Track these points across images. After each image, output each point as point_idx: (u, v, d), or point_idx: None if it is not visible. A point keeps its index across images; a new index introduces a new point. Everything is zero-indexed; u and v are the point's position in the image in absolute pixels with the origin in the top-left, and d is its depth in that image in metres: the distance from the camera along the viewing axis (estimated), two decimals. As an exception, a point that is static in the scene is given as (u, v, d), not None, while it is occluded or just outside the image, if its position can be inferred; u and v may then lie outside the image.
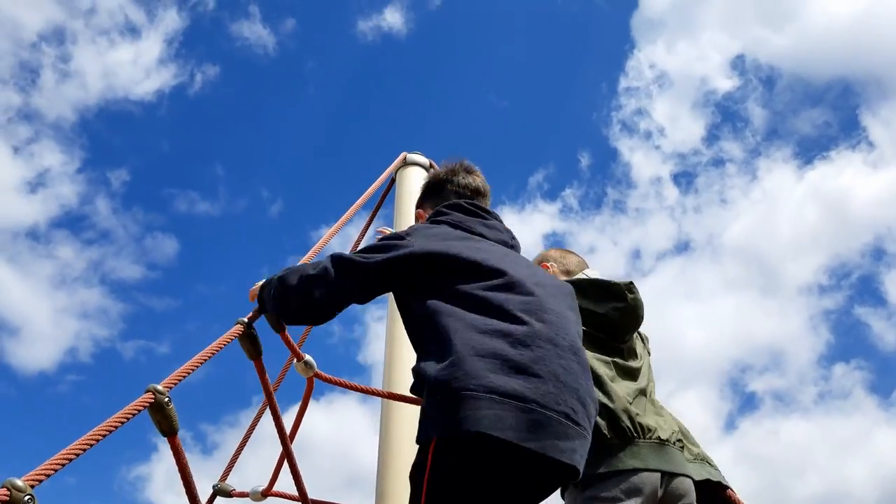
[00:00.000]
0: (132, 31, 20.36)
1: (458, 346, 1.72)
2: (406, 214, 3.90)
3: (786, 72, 21.90)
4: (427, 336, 1.87)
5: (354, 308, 2.18)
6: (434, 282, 1.96)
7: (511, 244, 2.30)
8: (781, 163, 22.16)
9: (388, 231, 3.34)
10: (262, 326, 2.49)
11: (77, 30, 20.16)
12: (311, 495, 2.95)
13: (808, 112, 21.76)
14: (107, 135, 21.49)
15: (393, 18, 21.79)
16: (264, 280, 2.23)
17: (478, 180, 2.47)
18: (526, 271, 2.05)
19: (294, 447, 2.78)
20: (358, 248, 2.91)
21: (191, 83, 20.94)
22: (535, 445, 1.62)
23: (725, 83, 21.75)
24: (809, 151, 22.35)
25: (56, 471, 1.53)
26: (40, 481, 1.48)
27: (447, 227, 2.21)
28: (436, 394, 1.69)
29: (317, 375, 2.63)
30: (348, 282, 2.03)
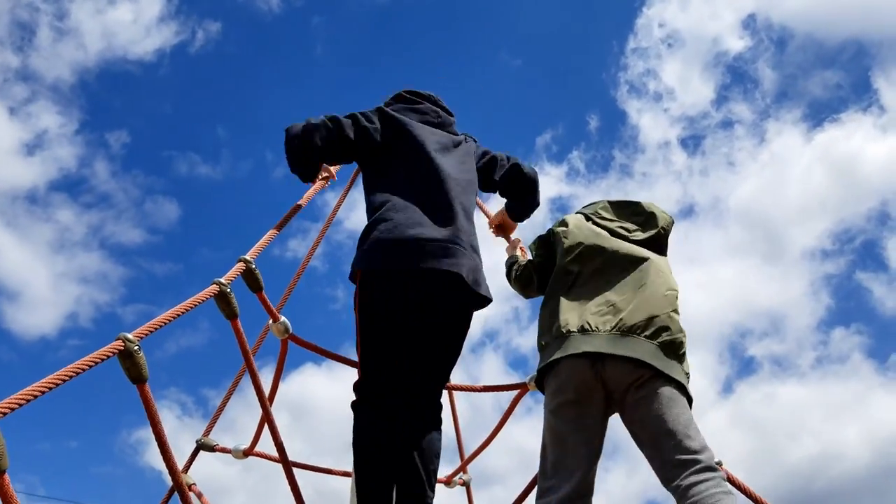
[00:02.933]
0: None
1: None
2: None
3: (798, 32, 21.57)
4: None
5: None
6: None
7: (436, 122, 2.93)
8: (791, 125, 21.96)
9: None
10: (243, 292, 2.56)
11: None
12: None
13: (819, 74, 21.49)
14: (106, 96, 21.20)
15: None
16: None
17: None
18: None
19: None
20: None
21: (192, 41, 20.59)
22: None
23: (737, 43, 21.48)
24: (819, 114, 22.13)
25: (19, 406, 1.58)
26: (4, 414, 1.55)
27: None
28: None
29: (291, 338, 2.68)
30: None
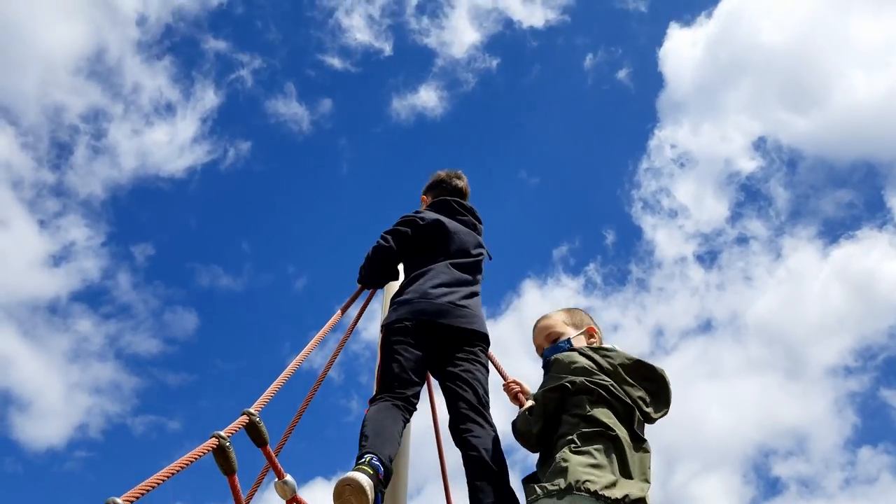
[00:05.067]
0: (168, 110, 20.96)
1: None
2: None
3: (808, 154, 21.95)
4: None
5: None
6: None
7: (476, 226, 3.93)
8: (806, 241, 21.83)
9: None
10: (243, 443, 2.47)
11: (115, 112, 20.79)
12: None
13: (831, 193, 21.62)
14: (135, 210, 21.67)
15: (427, 97, 22.13)
16: None
17: (461, 183, 4.07)
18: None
19: None
20: None
21: (223, 159, 21.15)
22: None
23: (749, 164, 21.86)
24: (834, 231, 22.02)
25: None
26: None
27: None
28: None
29: (296, 500, 2.52)
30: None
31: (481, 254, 3.80)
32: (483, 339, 3.40)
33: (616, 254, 22.38)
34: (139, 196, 21.15)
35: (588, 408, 2.43)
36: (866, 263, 20.85)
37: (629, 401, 2.48)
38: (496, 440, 2.99)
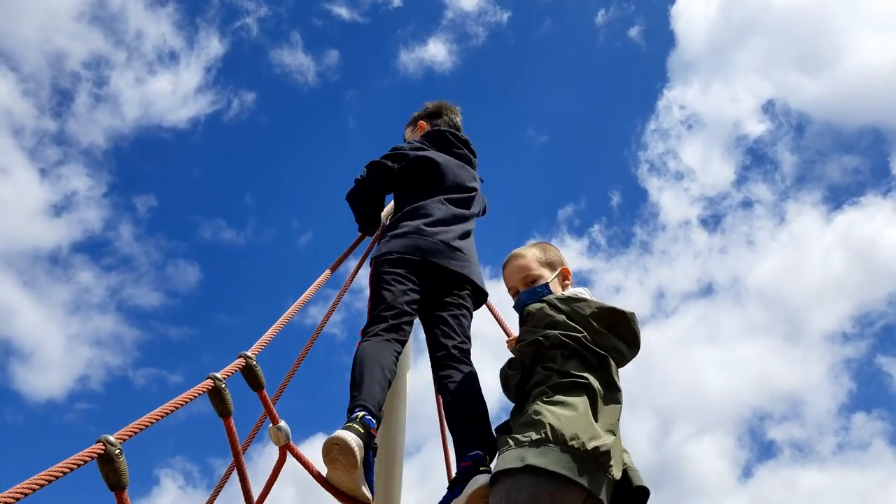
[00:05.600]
0: (172, 58, 20.48)
1: None
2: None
3: (816, 119, 21.71)
4: None
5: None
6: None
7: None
8: (810, 206, 21.74)
9: None
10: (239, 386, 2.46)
11: (118, 59, 20.32)
12: None
13: (838, 158, 21.47)
14: (137, 161, 21.27)
15: (436, 51, 21.56)
16: None
17: (458, 120, 4.01)
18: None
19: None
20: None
21: (227, 110, 20.73)
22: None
23: (757, 127, 21.65)
24: (839, 196, 21.90)
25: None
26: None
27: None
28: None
29: (289, 448, 2.53)
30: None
31: (476, 188, 3.72)
32: (470, 284, 3.35)
33: (621, 216, 22.26)
34: (142, 146, 20.85)
35: (561, 361, 2.46)
36: (869, 230, 20.78)
37: (602, 351, 2.50)
38: (475, 384, 2.99)
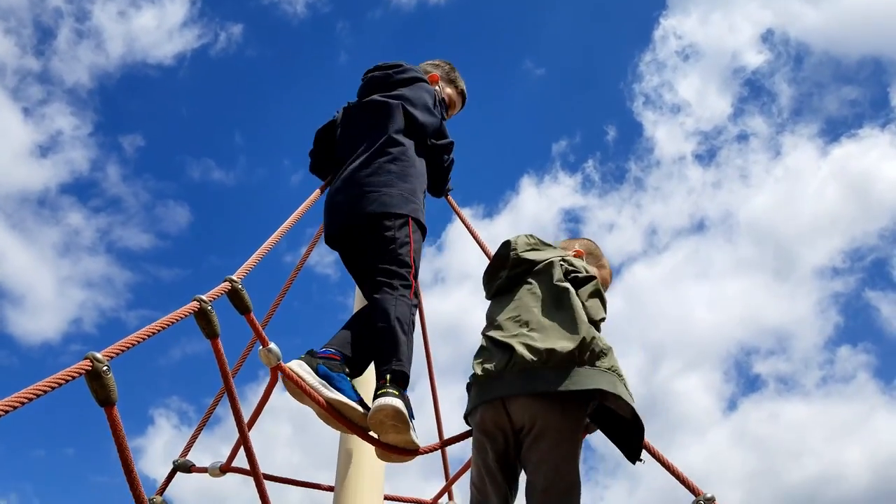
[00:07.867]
0: None
1: None
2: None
3: (816, 49, 21.35)
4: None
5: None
6: None
7: None
8: (807, 139, 21.60)
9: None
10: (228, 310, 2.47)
11: None
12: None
13: (836, 90, 21.22)
14: (122, 99, 20.67)
15: None
16: None
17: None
18: None
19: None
20: None
21: (214, 44, 20.07)
22: None
23: (755, 58, 21.32)
24: (836, 129, 21.71)
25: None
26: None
27: None
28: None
29: (280, 368, 2.55)
30: None
31: (390, 97, 3.28)
32: (385, 216, 2.95)
33: (616, 151, 22.06)
34: (127, 84, 20.19)
35: None
36: (865, 163, 20.67)
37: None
38: (391, 303, 2.80)
